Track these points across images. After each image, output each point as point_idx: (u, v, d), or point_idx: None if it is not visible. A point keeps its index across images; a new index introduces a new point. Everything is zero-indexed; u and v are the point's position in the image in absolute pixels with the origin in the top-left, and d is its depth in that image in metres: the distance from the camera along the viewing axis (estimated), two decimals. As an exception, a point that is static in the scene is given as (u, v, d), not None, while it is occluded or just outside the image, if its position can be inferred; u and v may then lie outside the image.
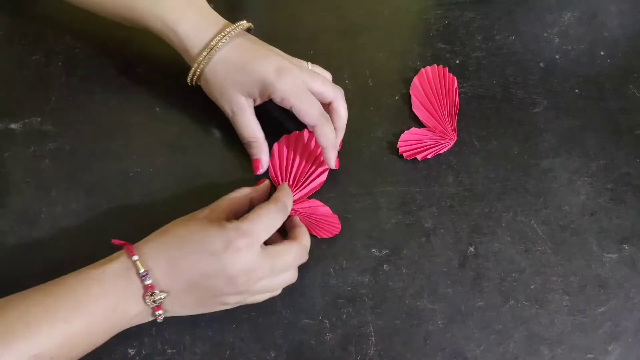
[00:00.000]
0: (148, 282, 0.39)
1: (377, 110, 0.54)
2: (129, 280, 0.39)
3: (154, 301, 0.39)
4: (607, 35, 0.60)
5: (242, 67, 0.46)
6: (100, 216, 0.48)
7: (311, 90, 0.47)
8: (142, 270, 0.39)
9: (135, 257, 0.39)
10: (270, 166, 0.51)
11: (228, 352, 0.44)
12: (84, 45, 0.55)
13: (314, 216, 0.49)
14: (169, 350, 0.44)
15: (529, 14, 0.60)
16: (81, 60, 0.55)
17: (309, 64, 0.51)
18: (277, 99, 0.47)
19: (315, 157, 0.51)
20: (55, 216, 0.48)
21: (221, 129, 0.52)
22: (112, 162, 0.50)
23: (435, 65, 0.56)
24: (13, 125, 0.51)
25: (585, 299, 0.47)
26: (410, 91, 0.55)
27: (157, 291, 0.39)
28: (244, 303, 0.43)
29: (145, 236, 0.47)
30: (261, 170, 0.50)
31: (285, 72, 0.46)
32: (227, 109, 0.49)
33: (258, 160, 0.50)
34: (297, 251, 0.43)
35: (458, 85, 0.55)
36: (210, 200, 0.49)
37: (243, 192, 0.46)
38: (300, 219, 0.48)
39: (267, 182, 0.49)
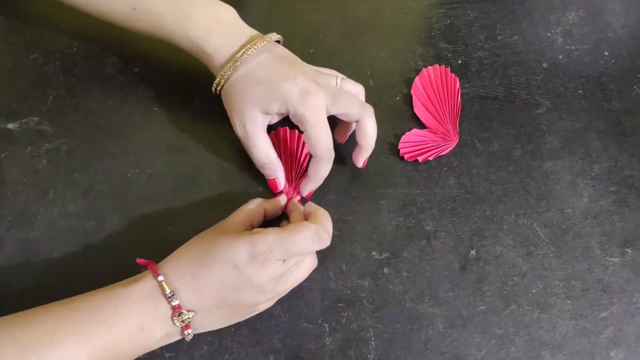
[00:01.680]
0: (175, 302, 0.38)
1: (378, 111, 0.53)
2: (157, 301, 0.38)
3: (182, 321, 0.39)
4: (611, 35, 0.59)
5: (266, 83, 0.45)
6: (98, 218, 0.48)
7: (333, 113, 0.46)
8: (168, 291, 0.38)
9: (161, 278, 0.39)
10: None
11: (226, 356, 0.44)
12: (81, 44, 0.55)
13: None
14: (167, 354, 0.44)
15: (532, 13, 0.59)
16: (79, 60, 0.54)
17: (339, 78, 0.49)
18: (294, 120, 0.46)
19: (299, 150, 0.51)
20: (52, 217, 0.47)
21: (219, 130, 0.51)
22: (110, 163, 0.50)
23: (437, 65, 0.55)
24: (10, 125, 0.51)
25: (588, 303, 0.47)
26: (411, 92, 0.54)
27: (184, 311, 0.39)
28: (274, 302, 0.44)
29: (143, 238, 0.47)
30: (280, 188, 0.49)
31: (309, 96, 0.44)
32: (239, 125, 0.47)
33: (275, 180, 0.49)
34: (312, 239, 0.40)
35: (460, 85, 0.54)
36: (209, 201, 0.49)
37: (257, 203, 0.46)
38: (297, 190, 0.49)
39: (284, 196, 0.48)
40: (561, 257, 0.48)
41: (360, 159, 0.49)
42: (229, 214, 0.45)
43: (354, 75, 0.55)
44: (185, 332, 0.40)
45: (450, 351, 0.45)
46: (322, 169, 0.47)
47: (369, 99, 0.54)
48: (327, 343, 0.45)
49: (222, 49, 0.46)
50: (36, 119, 0.51)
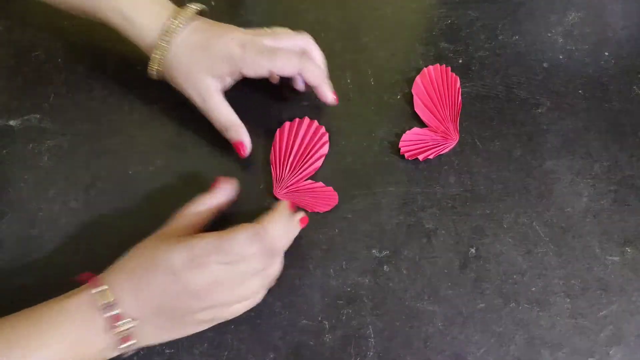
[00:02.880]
0: (112, 312, 0.37)
1: (379, 109, 0.54)
2: (95, 313, 0.37)
3: (121, 332, 0.38)
4: (611, 35, 0.59)
5: (206, 47, 0.46)
6: (99, 215, 0.48)
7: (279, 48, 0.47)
8: (105, 302, 0.37)
9: (99, 289, 0.38)
10: (272, 151, 0.51)
11: (227, 353, 0.44)
12: (84, 42, 0.55)
13: (310, 192, 0.49)
14: (167, 351, 0.44)
15: (533, 13, 0.60)
16: (81, 58, 0.54)
17: (267, 29, 0.50)
18: (250, 73, 0.46)
19: (312, 145, 0.51)
20: (53, 214, 0.48)
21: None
22: (111, 161, 0.50)
23: (438, 64, 0.55)
24: (12, 122, 0.51)
25: (587, 302, 0.47)
26: (412, 90, 0.54)
27: (123, 321, 0.38)
28: (222, 318, 0.41)
29: (144, 235, 0.47)
30: (247, 152, 0.49)
31: (249, 44, 0.46)
32: (195, 96, 0.47)
33: (240, 143, 0.48)
34: (249, 239, 0.39)
35: (461, 85, 0.54)
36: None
37: (200, 202, 0.44)
38: (296, 197, 0.49)
39: (223, 182, 0.46)
40: (561, 256, 0.49)
41: (328, 92, 0.50)
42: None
43: (355, 73, 0.55)
44: (125, 344, 0.38)
45: (449, 349, 0.45)
46: (313, 69, 0.48)
47: (370, 98, 0.54)
48: (327, 340, 0.45)
49: (152, 23, 0.46)
50: (38, 115, 0.51)
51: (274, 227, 0.41)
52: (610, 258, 0.49)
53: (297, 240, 0.48)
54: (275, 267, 0.42)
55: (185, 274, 0.38)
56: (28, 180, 0.49)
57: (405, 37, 0.58)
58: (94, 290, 0.38)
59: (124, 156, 0.50)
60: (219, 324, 0.43)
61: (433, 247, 0.48)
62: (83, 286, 0.39)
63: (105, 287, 0.38)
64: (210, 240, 0.39)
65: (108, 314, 0.37)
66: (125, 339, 0.38)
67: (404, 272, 0.47)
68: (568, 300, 0.47)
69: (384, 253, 0.48)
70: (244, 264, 0.39)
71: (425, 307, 0.46)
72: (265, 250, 0.40)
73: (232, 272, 0.39)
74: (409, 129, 0.53)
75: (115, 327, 0.38)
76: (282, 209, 0.43)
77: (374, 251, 0.48)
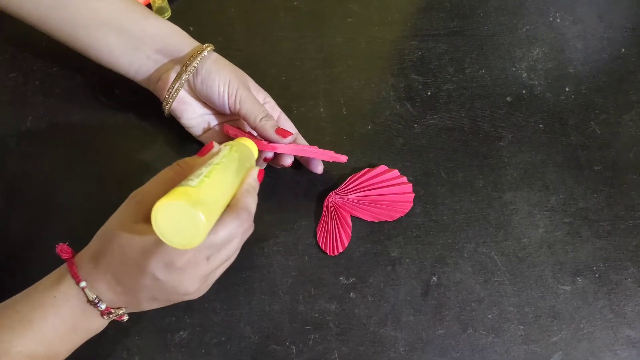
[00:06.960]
0: (102, 307, 0.38)
1: (350, 139, 0.56)
2: (84, 303, 0.38)
3: (113, 316, 0.39)
4: (572, 71, 0.62)
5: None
6: (77, 241, 0.49)
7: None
8: (92, 297, 0.38)
9: (83, 284, 0.38)
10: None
11: (197, 376, 0.46)
12: (61, 64, 0.56)
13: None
14: (140, 374, 0.46)
15: (500, 48, 0.62)
16: (59, 80, 0.55)
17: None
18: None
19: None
20: (30, 238, 0.49)
21: (197, 150, 0.53)
22: (90, 184, 0.51)
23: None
24: (-11, 144, 0.52)
25: (539, 329, 0.50)
26: None
27: (113, 309, 0.39)
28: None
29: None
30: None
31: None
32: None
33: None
34: (237, 227, 0.39)
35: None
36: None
37: (177, 165, 0.42)
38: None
39: (213, 148, 0.43)
40: (516, 285, 0.52)
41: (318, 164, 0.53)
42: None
43: (328, 103, 0.57)
44: (121, 320, 0.40)
45: (410, 373, 0.48)
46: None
47: (341, 127, 0.56)
48: (294, 364, 0.47)
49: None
50: (15, 138, 0.52)
51: (252, 204, 0.41)
52: (562, 287, 0.52)
53: (268, 267, 0.50)
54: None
55: (170, 279, 0.37)
56: (5, 204, 0.50)
57: (378, 68, 0.60)
58: (81, 285, 0.38)
59: (101, 181, 0.51)
60: (190, 348, 0.45)
61: (397, 275, 0.51)
62: (61, 274, 0.39)
63: (84, 283, 0.38)
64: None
65: (102, 307, 0.38)
66: (119, 317, 0.40)
67: (369, 298, 0.50)
68: (521, 327, 0.50)
69: (351, 280, 0.50)
70: (226, 251, 0.39)
71: (388, 333, 0.49)
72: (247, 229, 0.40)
73: (215, 260, 0.39)
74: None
75: (107, 314, 0.39)
76: (254, 181, 0.42)
77: (341, 278, 0.50)
